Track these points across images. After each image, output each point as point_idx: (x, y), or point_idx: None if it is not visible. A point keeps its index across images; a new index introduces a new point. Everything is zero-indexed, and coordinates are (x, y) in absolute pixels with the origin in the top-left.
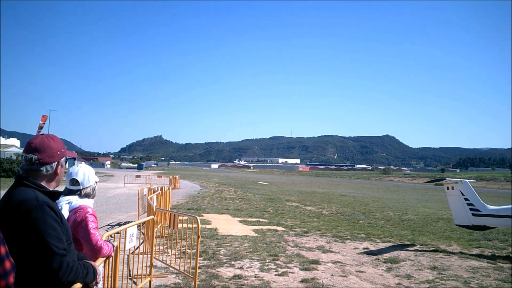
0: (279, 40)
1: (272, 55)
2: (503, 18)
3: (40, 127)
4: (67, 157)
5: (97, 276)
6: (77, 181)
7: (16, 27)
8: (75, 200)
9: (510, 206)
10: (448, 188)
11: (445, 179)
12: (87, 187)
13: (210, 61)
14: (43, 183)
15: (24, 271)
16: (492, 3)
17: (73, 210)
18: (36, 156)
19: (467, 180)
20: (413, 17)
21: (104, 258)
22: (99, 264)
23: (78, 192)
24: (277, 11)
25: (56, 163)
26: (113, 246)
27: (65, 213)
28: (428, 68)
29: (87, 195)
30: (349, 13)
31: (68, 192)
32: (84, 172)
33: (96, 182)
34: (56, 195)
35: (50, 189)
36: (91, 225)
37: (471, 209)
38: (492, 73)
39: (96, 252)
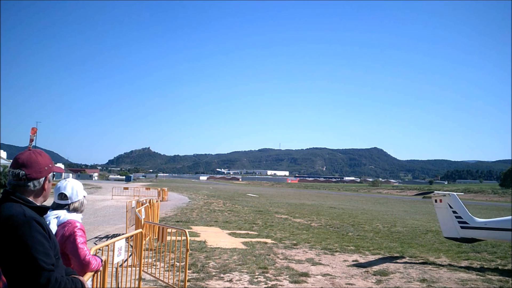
0: (267, 53)
1: (260, 68)
2: (496, 34)
3: (31, 140)
4: (55, 172)
5: None
6: (65, 195)
7: (4, 38)
8: (63, 214)
9: (498, 218)
10: (436, 201)
11: (433, 192)
12: (75, 202)
13: (198, 73)
14: (31, 198)
15: (12, 287)
16: (476, 14)
17: (61, 225)
18: (23, 172)
19: (455, 193)
20: (403, 29)
21: (92, 273)
22: (87, 279)
23: (67, 207)
24: (266, 25)
25: (43, 178)
26: (102, 261)
27: (53, 227)
28: (416, 82)
29: (75, 210)
30: (337, 25)
31: (56, 207)
32: (72, 186)
33: (84, 196)
34: (43, 210)
35: (38, 204)
36: (79, 239)
37: (459, 222)
38: (482, 87)
39: (84, 266)
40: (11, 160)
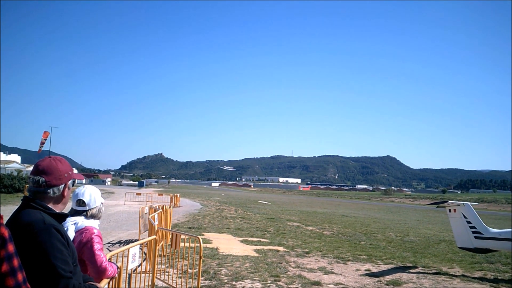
0: (281, 60)
1: (273, 74)
2: (506, 40)
3: (42, 143)
4: (74, 179)
5: None
6: (83, 201)
7: (17, 41)
8: (81, 221)
9: None
10: (450, 211)
11: (447, 201)
12: (93, 208)
13: (211, 78)
14: (50, 205)
15: None
16: (493, 12)
17: (79, 231)
18: (43, 178)
19: (469, 203)
20: (413, 32)
21: (108, 280)
22: (103, 286)
23: (84, 213)
24: (278, 28)
25: (63, 185)
26: (117, 267)
27: (71, 233)
28: (429, 90)
29: (93, 216)
30: (350, 34)
31: (74, 213)
32: (90, 193)
33: (102, 203)
34: (62, 217)
35: (57, 211)
36: (97, 246)
37: (473, 232)
38: (493, 94)
39: (100, 273)
40: (25, 164)
